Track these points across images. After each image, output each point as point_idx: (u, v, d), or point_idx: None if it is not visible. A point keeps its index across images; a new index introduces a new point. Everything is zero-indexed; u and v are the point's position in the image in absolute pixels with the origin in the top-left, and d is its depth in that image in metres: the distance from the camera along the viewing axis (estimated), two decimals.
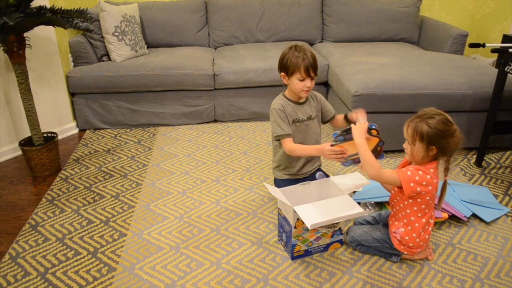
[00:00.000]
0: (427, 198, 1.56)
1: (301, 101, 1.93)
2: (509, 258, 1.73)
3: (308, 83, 1.81)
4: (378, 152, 1.74)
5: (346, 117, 1.94)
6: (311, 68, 1.78)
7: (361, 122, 1.64)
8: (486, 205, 2.03)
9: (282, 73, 1.86)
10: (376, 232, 1.71)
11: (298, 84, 1.82)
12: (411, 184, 1.52)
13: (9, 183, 2.36)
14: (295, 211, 1.60)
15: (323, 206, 1.67)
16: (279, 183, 2.02)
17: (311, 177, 2.04)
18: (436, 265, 1.69)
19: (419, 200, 1.57)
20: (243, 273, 1.66)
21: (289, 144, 1.88)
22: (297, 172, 2.02)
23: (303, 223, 1.60)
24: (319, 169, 2.08)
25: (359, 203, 2.07)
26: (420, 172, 1.53)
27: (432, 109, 1.54)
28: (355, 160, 1.76)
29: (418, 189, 1.53)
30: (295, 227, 1.65)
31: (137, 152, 2.68)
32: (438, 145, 1.50)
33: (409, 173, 1.54)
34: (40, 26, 2.31)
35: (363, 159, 1.56)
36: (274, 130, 1.92)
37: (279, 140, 1.92)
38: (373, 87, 2.41)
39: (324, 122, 2.06)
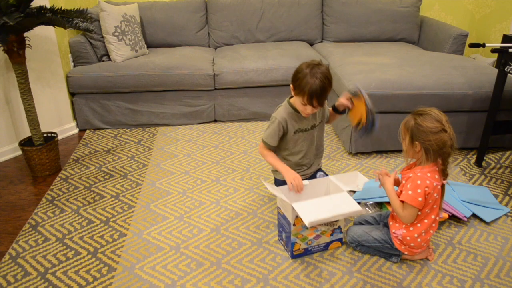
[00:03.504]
0: (429, 201, 1.57)
1: None
2: (509, 258, 1.73)
3: (309, 109, 1.74)
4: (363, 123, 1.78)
5: (334, 108, 1.94)
6: (315, 99, 1.68)
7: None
8: (486, 205, 2.03)
9: (292, 86, 1.77)
10: (377, 232, 1.71)
11: (300, 106, 1.77)
12: (420, 199, 1.54)
13: (9, 183, 2.36)
14: (293, 208, 1.61)
15: (321, 203, 1.67)
16: (280, 184, 2.02)
17: (312, 178, 2.03)
18: (436, 265, 1.69)
19: None
20: (243, 273, 1.66)
21: (264, 150, 1.93)
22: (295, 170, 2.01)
23: (302, 220, 1.60)
24: (319, 170, 2.08)
25: (359, 203, 2.08)
26: (419, 181, 1.54)
27: (431, 108, 1.54)
28: (366, 128, 1.79)
29: (425, 197, 1.54)
30: (294, 225, 1.66)
31: (137, 152, 2.68)
32: (420, 142, 1.52)
33: (410, 192, 1.55)
34: (40, 26, 2.31)
35: (393, 207, 1.62)
36: (265, 134, 1.91)
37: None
38: (373, 87, 2.41)
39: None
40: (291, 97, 1.87)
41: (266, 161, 1.98)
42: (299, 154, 1.96)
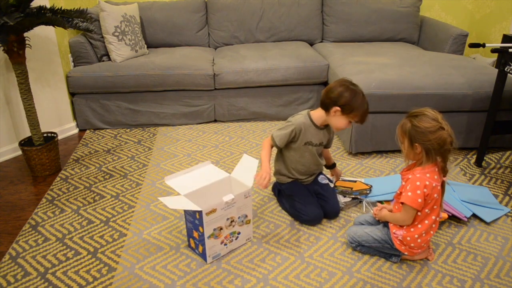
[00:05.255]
0: (429, 201, 1.56)
1: (322, 127, 1.92)
2: (509, 258, 1.73)
3: (349, 125, 1.84)
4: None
5: (329, 167, 2.19)
6: (366, 116, 1.81)
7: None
8: (486, 205, 2.03)
9: (337, 108, 1.78)
10: (377, 233, 1.71)
11: (345, 123, 1.81)
12: (419, 200, 1.54)
13: (9, 183, 2.36)
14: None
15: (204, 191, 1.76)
16: (280, 186, 2.06)
17: (314, 182, 2.05)
18: (436, 265, 1.69)
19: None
20: (243, 273, 1.66)
21: (267, 143, 1.92)
22: (297, 178, 2.02)
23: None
24: (320, 173, 2.10)
25: (360, 202, 2.09)
26: (418, 183, 1.54)
27: (424, 108, 1.55)
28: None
29: (425, 198, 1.54)
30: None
31: (137, 152, 2.68)
32: (420, 143, 1.51)
33: (409, 193, 1.55)
34: (40, 26, 2.31)
35: (394, 222, 1.67)
36: (276, 133, 1.91)
37: (278, 147, 1.94)
38: (373, 87, 2.41)
39: None
40: (310, 111, 1.93)
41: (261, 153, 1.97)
42: (303, 166, 1.98)
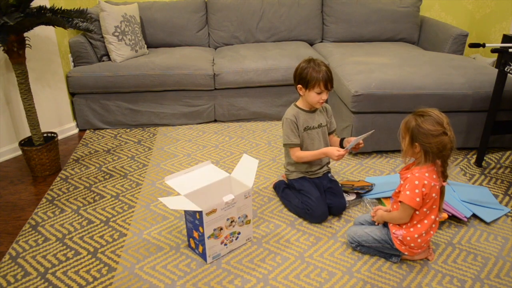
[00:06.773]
0: (427, 201, 1.57)
1: (313, 109, 2.00)
2: (509, 258, 1.73)
3: (324, 95, 1.90)
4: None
5: (341, 143, 2.07)
6: (329, 83, 1.88)
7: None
8: (486, 205, 2.03)
9: (300, 86, 1.93)
10: (377, 233, 1.71)
11: (316, 97, 1.90)
12: (417, 199, 1.54)
13: (9, 183, 2.36)
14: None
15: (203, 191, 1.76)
16: (290, 182, 2.08)
17: (323, 177, 2.08)
18: (436, 265, 1.69)
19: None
20: (243, 273, 1.66)
21: (296, 153, 1.99)
22: (308, 172, 2.06)
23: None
24: (329, 172, 2.13)
25: (362, 201, 2.09)
26: (416, 182, 1.54)
27: (432, 109, 1.54)
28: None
29: (423, 197, 1.55)
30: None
31: (137, 152, 2.68)
32: (420, 143, 1.52)
33: (408, 192, 1.55)
34: (40, 26, 2.31)
35: (391, 221, 1.67)
36: (283, 139, 2.00)
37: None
38: (373, 87, 2.41)
39: None
40: (295, 102, 2.02)
41: (308, 160, 2.01)
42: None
